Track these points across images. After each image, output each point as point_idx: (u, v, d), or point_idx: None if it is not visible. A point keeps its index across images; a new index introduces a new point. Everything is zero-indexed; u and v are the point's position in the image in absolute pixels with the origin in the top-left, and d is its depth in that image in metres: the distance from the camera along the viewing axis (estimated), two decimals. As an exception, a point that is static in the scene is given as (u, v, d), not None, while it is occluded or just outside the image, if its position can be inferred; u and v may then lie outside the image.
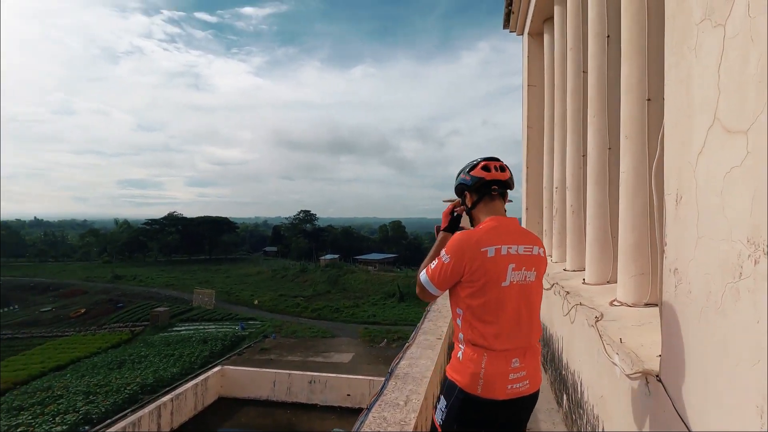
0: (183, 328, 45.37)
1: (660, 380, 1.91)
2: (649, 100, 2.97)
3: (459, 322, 1.93)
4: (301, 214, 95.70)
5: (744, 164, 1.32)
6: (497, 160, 2.07)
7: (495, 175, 2.01)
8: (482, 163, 2.04)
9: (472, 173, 2.03)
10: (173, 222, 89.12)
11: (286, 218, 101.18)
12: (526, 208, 7.76)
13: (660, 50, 2.88)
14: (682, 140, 1.72)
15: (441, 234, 2.17)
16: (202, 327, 44.99)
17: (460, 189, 2.13)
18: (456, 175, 2.15)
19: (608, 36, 3.93)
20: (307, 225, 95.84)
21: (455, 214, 2.20)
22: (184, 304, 54.83)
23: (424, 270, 1.98)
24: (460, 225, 2.20)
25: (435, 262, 1.94)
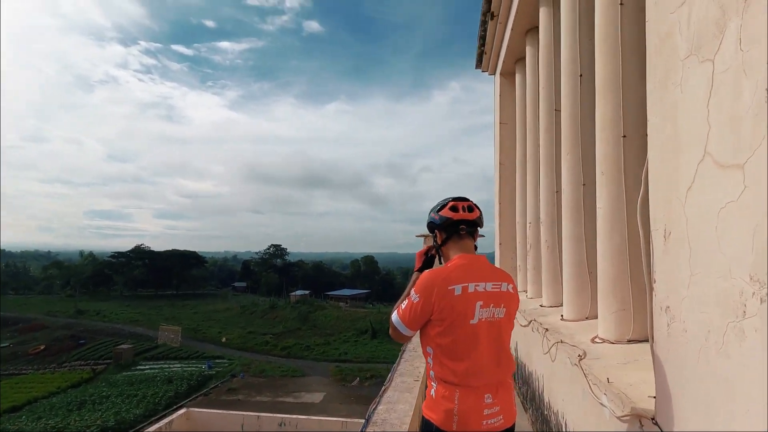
0: (147, 366, 43.37)
1: (656, 422, 1.82)
2: (624, 136, 3.00)
3: (430, 360, 1.95)
4: (271, 249, 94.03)
5: (741, 199, 1.28)
6: (465, 199, 2.12)
7: (462, 215, 2.06)
8: (450, 204, 2.10)
9: (440, 213, 2.09)
10: (140, 255, 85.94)
11: (256, 253, 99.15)
12: (500, 244, 7.78)
13: (635, 88, 2.96)
14: (668, 176, 1.70)
15: (414, 275, 2.23)
16: (167, 365, 43.14)
17: (431, 227, 2.19)
18: (428, 212, 2.21)
19: (581, 75, 4.03)
20: (278, 260, 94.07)
21: (429, 255, 2.26)
22: (149, 341, 52.52)
23: (396, 310, 1.99)
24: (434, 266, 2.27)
25: (405, 302, 1.96)
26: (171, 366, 42.99)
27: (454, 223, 2.05)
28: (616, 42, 3.07)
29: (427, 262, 2.20)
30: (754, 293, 1.23)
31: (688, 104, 1.57)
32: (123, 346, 47.83)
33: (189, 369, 41.43)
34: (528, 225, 6.00)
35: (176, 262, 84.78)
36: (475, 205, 2.12)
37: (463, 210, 2.06)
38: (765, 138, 1.20)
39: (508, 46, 6.89)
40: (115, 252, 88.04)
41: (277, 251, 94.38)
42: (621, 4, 3.11)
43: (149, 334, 55.64)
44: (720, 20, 1.40)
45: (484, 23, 7.39)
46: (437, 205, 2.14)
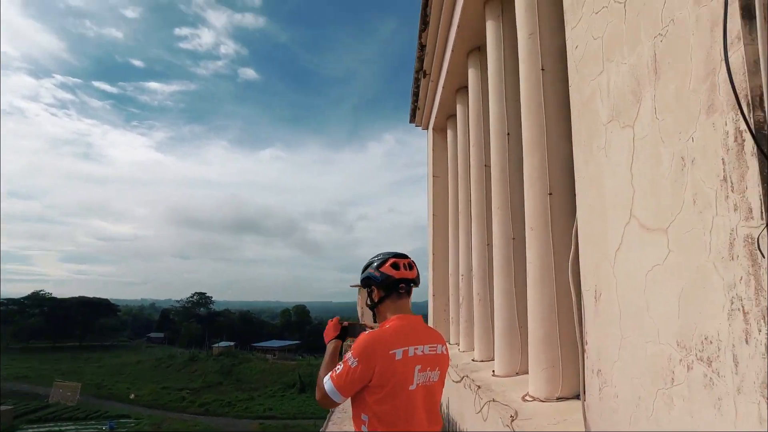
0: (31, 429, 37.60)
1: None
2: (550, 194, 3.11)
3: (364, 429, 1.80)
4: (195, 297, 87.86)
5: (667, 263, 1.29)
6: (405, 256, 2.06)
7: (403, 273, 1.99)
8: (391, 261, 2.01)
9: (381, 269, 2.00)
10: (38, 302, 75.51)
11: (178, 301, 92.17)
12: (433, 295, 7.76)
13: (559, 147, 3.10)
14: (597, 236, 1.72)
15: (333, 343, 2.08)
16: (57, 427, 37.84)
17: (367, 283, 2.09)
18: (363, 266, 2.11)
19: (508, 133, 4.22)
20: (201, 309, 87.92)
21: (344, 324, 2.15)
22: (38, 401, 45.41)
23: (328, 376, 1.85)
24: (362, 322, 2.15)
25: (340, 366, 1.81)
26: (63, 428, 37.81)
27: (395, 282, 1.96)
28: (540, 104, 3.24)
29: (343, 331, 2.09)
30: (681, 360, 1.21)
31: (612, 168, 1.61)
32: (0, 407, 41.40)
33: (86, 430, 36.72)
34: (461, 277, 6.04)
35: (83, 310, 75.80)
36: (413, 262, 2.06)
37: (404, 268, 1.98)
38: (684, 203, 1.22)
39: (439, 103, 7.20)
40: (6, 298, 77.60)
41: (202, 299, 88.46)
42: (542, 69, 3.32)
43: (39, 392, 48.21)
44: (636, 90, 1.47)
45: (417, 81, 7.70)
46: (376, 260, 2.03)
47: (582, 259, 1.86)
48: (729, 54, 0.98)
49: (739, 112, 0.96)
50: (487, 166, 4.98)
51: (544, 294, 3.05)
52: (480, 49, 5.43)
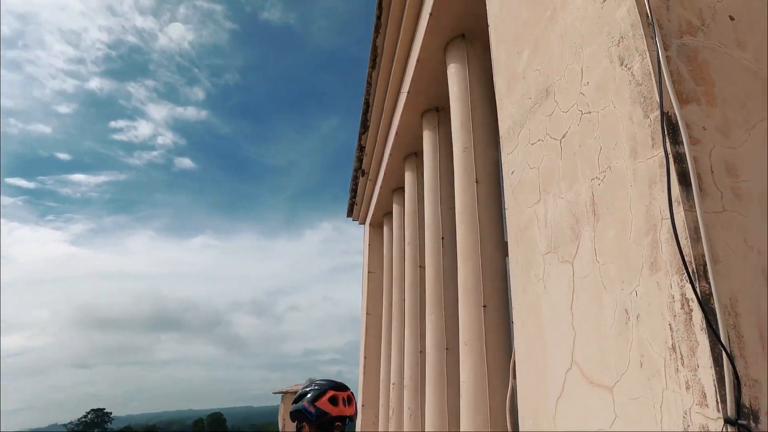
0: None
1: None
2: (485, 306, 3.02)
3: None
4: (89, 416, 72.49)
5: (613, 430, 1.14)
6: (345, 388, 1.81)
7: (342, 410, 1.74)
8: (330, 394, 1.76)
9: (317, 404, 1.73)
10: None
11: (66, 425, 75.23)
12: (362, 405, 7.22)
13: (494, 259, 3.06)
14: (536, 375, 1.58)
15: None
16: None
17: (298, 417, 1.79)
18: (296, 396, 1.82)
19: (443, 237, 4.22)
20: (95, 430, 73.33)
21: None
22: None
23: None
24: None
25: None
26: None
27: (331, 420, 1.71)
28: (474, 215, 3.26)
29: None
30: None
31: (551, 301, 1.52)
32: None
33: None
34: (392, 386, 5.67)
35: None
36: (353, 394, 1.82)
37: (343, 403, 1.74)
38: (630, 363, 1.11)
39: (377, 201, 7.28)
40: None
41: (98, 418, 72.76)
42: (477, 182, 3.39)
43: None
44: (575, 227, 1.42)
45: (355, 179, 7.83)
46: (311, 390, 1.77)
47: (520, 399, 1.70)
48: (670, 216, 0.93)
49: (685, 279, 0.89)
50: (422, 267, 4.91)
51: (478, 419, 2.82)
52: (417, 154, 5.62)
